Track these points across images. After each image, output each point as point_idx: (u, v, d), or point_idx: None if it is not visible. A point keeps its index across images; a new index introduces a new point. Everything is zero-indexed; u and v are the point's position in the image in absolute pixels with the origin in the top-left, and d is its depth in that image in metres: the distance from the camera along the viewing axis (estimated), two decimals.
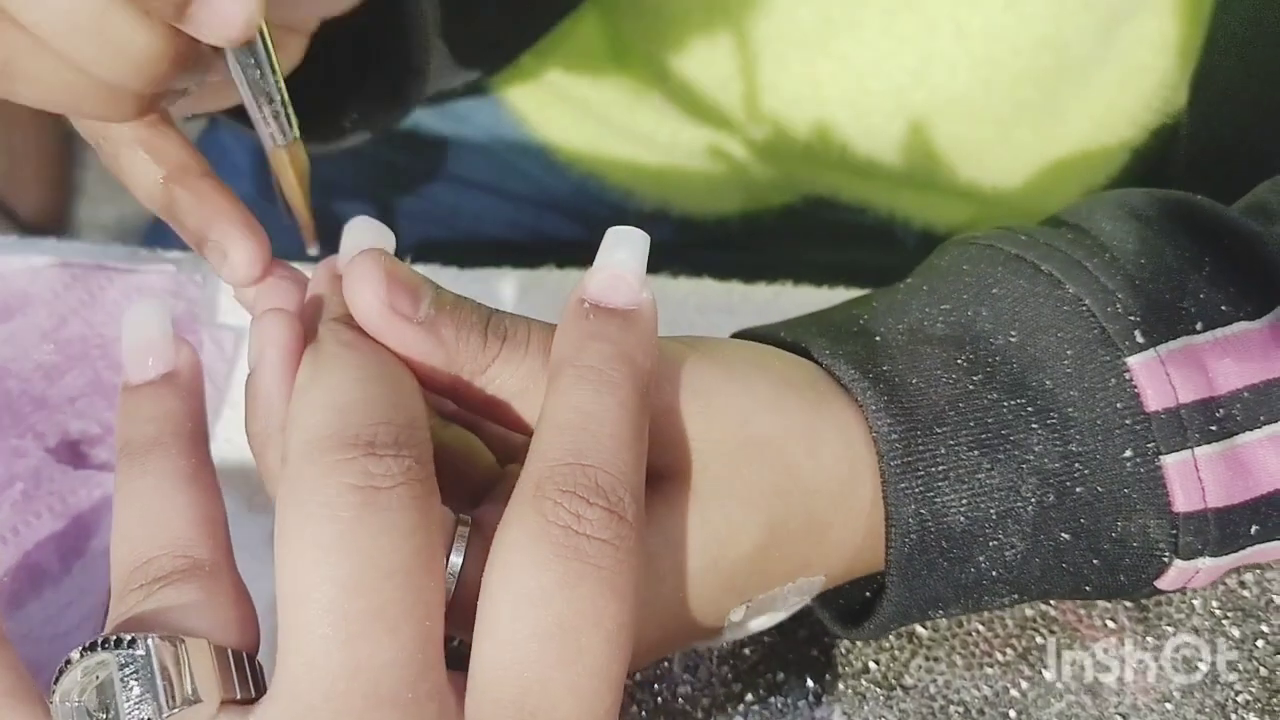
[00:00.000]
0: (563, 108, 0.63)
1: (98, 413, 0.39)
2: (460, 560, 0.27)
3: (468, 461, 0.32)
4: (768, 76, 0.53)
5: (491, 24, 0.56)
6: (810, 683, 0.36)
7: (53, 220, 1.20)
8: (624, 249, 0.28)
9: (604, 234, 0.29)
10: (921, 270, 0.35)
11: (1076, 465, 0.30)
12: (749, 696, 0.36)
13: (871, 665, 0.37)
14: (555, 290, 0.45)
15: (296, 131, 0.32)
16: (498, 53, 0.57)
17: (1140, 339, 0.31)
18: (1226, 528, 0.31)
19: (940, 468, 0.30)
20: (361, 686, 0.23)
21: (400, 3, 0.42)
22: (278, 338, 0.28)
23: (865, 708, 0.36)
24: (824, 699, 0.36)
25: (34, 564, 0.35)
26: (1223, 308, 0.31)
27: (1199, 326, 0.31)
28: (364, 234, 0.29)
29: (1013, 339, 0.31)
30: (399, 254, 0.29)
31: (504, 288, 0.45)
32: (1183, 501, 0.30)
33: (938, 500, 0.30)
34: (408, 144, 0.67)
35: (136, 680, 0.23)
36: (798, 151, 0.57)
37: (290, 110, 0.31)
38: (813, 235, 0.66)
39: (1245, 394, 0.30)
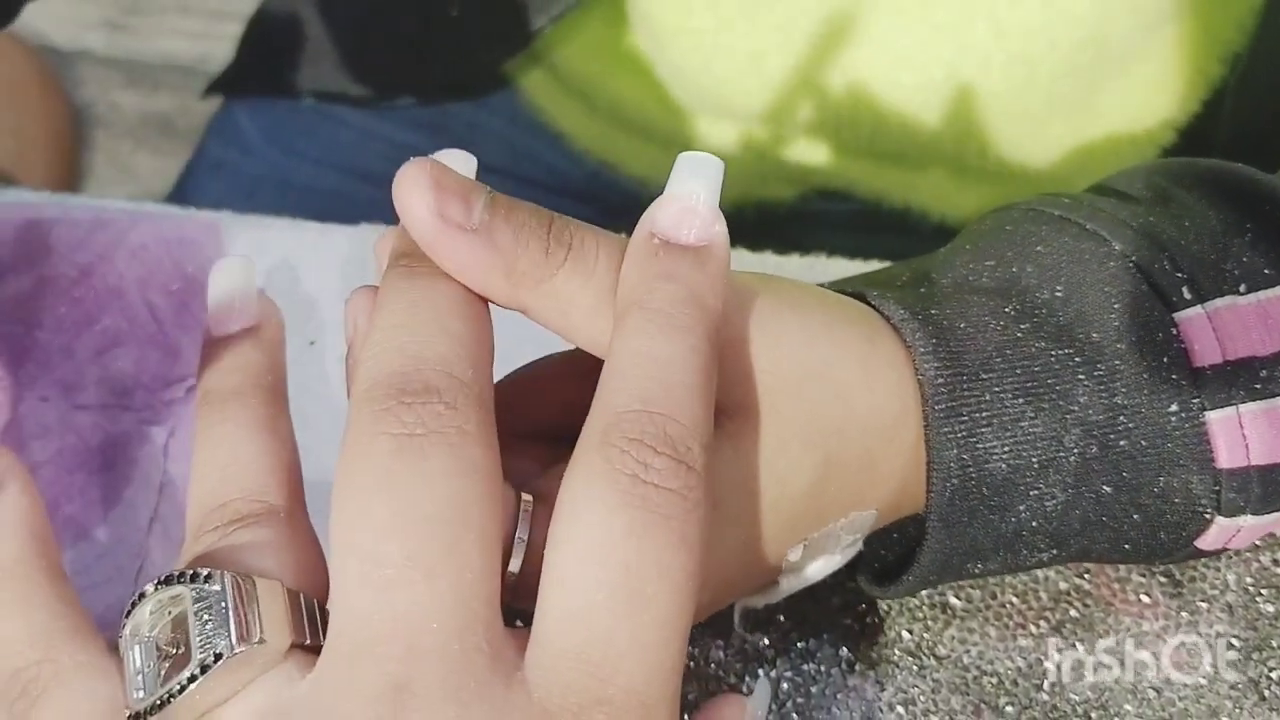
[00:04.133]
0: (576, 97, 0.63)
1: (126, 363, 0.38)
2: (525, 535, 0.27)
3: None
4: (799, 59, 0.53)
5: (503, 9, 0.56)
6: (844, 651, 0.36)
7: None
8: (697, 178, 0.27)
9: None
10: (962, 234, 0.35)
11: (1121, 418, 0.30)
12: (781, 663, 0.36)
13: (905, 635, 0.36)
14: None
15: None
16: (511, 36, 0.57)
17: (1188, 295, 0.31)
18: (1269, 485, 0.31)
19: (984, 414, 0.30)
20: (404, 634, 0.23)
21: None
22: (367, 308, 0.28)
23: (898, 677, 0.36)
24: (857, 667, 0.36)
25: (66, 517, 0.35)
26: (1265, 271, 0.31)
27: (1242, 289, 0.31)
28: (449, 163, 0.28)
29: (1059, 293, 0.31)
30: None
31: None
32: (1226, 458, 0.30)
33: (980, 446, 0.30)
34: (422, 126, 0.67)
35: (210, 615, 0.23)
36: (823, 139, 0.57)
37: None
38: (826, 225, 0.66)
39: None
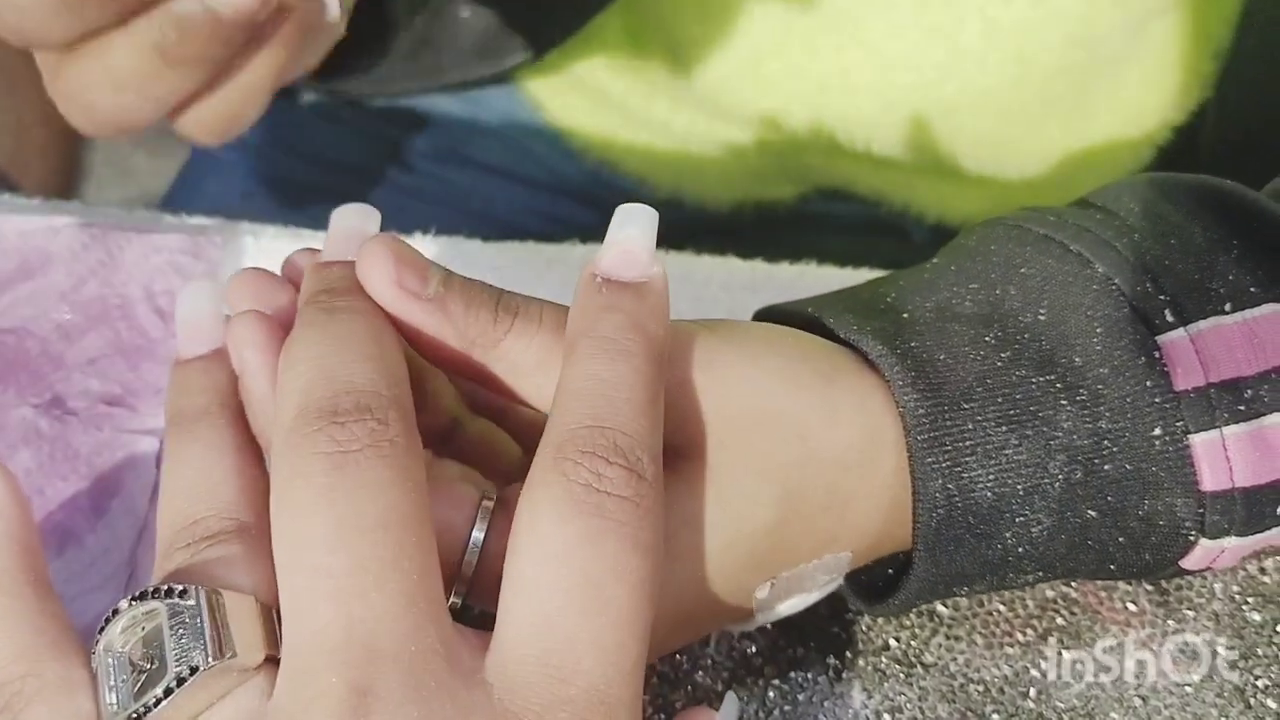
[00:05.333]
0: (578, 95, 0.63)
1: (118, 373, 0.39)
2: (482, 534, 0.28)
3: (494, 453, 0.33)
4: (796, 61, 0.53)
5: (521, 18, 0.56)
6: (830, 659, 0.36)
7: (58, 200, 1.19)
8: (634, 225, 0.29)
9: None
10: (948, 250, 0.35)
11: (1105, 442, 0.30)
12: (769, 670, 0.36)
13: (892, 643, 0.37)
14: (578, 265, 0.45)
15: None
16: (527, 45, 0.57)
17: (1170, 318, 0.31)
18: (1253, 507, 0.31)
19: (968, 443, 0.30)
20: (360, 640, 0.23)
21: None
22: (252, 339, 0.29)
23: (885, 685, 0.36)
24: (844, 675, 0.36)
25: (56, 524, 0.35)
26: (1251, 289, 0.31)
27: (1228, 307, 0.31)
28: (349, 216, 0.30)
29: (1041, 317, 0.31)
30: (405, 234, 0.30)
31: (527, 261, 0.45)
32: (1210, 481, 0.30)
33: (965, 476, 0.30)
34: (422, 126, 0.67)
35: (185, 630, 0.24)
36: (821, 142, 0.57)
37: None
38: (825, 226, 0.66)
39: (1273, 375, 0.31)
